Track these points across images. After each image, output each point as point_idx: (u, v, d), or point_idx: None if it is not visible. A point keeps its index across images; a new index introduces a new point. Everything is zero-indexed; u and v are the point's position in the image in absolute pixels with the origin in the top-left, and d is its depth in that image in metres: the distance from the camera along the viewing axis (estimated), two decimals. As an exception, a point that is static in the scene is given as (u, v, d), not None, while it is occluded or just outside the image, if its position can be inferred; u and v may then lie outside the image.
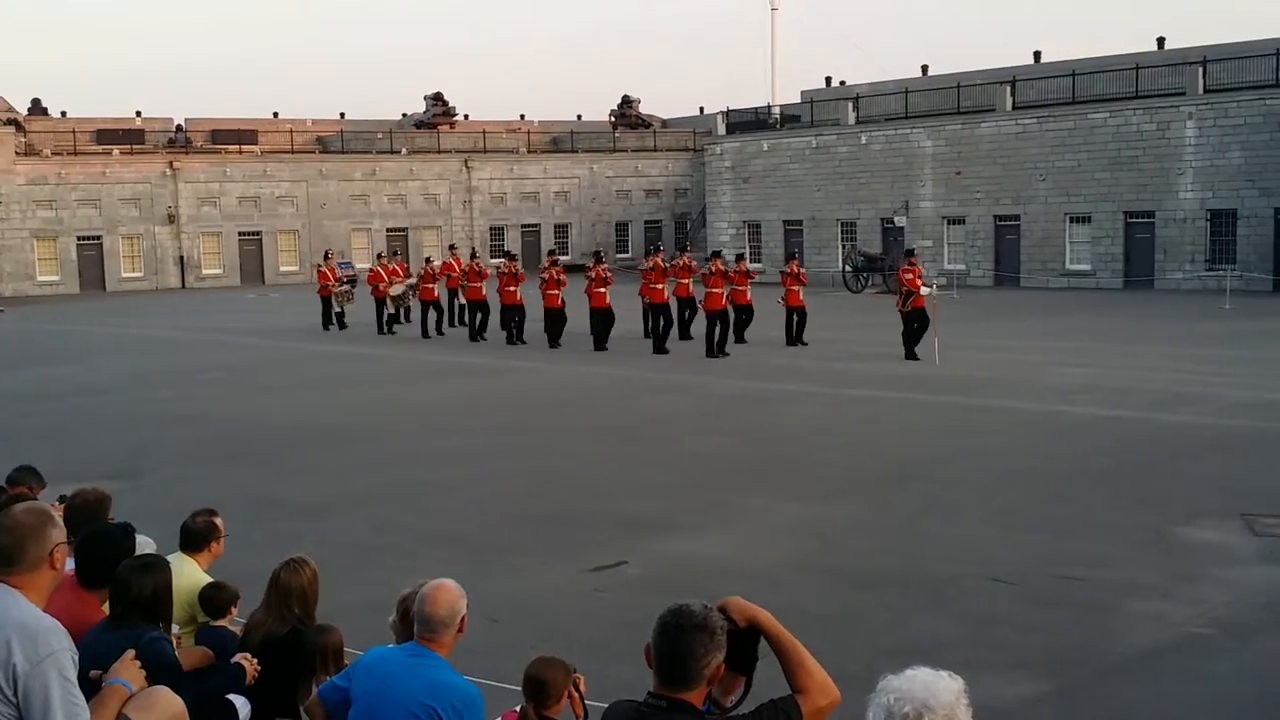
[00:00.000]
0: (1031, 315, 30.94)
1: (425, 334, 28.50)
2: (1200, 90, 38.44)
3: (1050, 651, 7.67)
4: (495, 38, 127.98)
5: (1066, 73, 43.38)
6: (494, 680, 6.16)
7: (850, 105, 48.61)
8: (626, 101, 64.24)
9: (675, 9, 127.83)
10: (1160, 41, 46.64)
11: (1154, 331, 25.99)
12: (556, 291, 25.05)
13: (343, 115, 61.66)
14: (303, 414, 17.76)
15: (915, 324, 21.98)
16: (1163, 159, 38.78)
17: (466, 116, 62.81)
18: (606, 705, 3.23)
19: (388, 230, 54.64)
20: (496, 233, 56.80)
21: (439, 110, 60.87)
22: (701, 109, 63.58)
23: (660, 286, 24.34)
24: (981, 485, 12.23)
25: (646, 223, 59.24)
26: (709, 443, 14.88)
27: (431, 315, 29.03)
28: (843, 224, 47.29)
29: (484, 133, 59.09)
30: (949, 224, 44.39)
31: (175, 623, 5.35)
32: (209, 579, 5.79)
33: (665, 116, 66.69)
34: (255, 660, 5.00)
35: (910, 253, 24.41)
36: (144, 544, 5.68)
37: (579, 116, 66.05)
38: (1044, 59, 49.11)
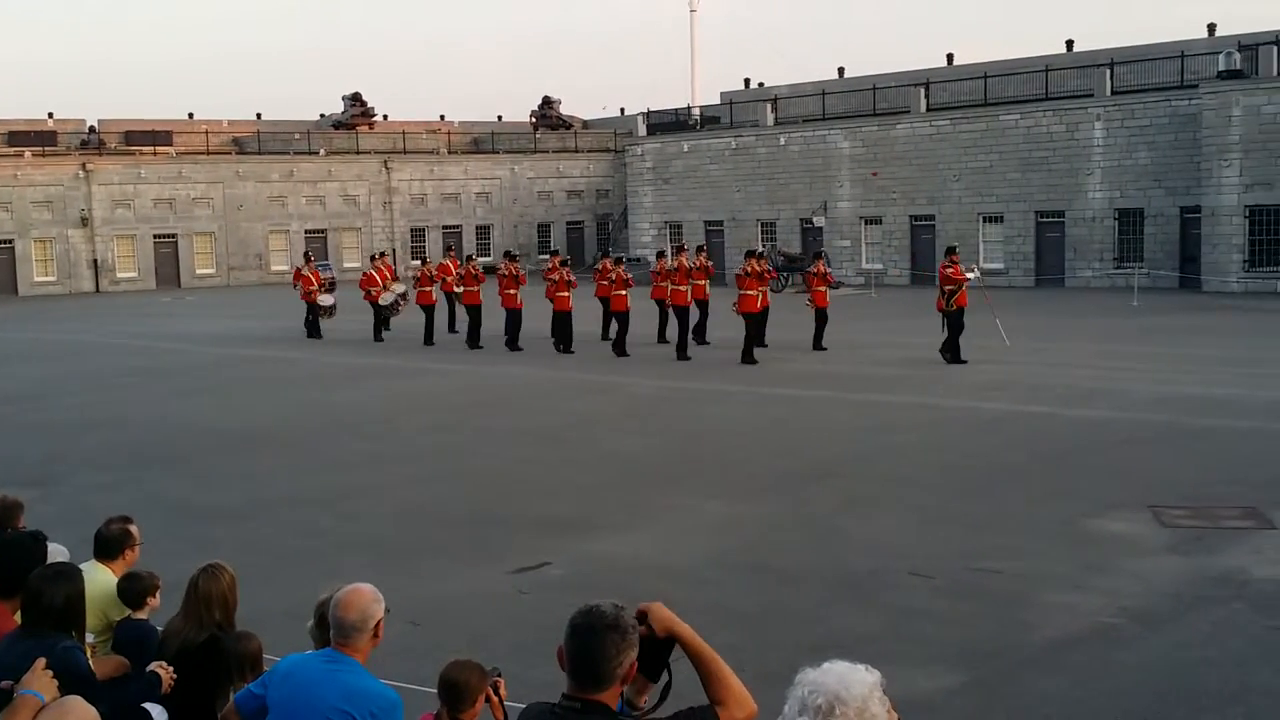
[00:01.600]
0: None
1: (429, 341, 26.76)
2: (1108, 92, 39.40)
3: (967, 643, 7.83)
4: (414, 37, 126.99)
5: (978, 75, 44.18)
6: (416, 684, 6.12)
7: (769, 107, 49.04)
8: (547, 102, 64.12)
9: (595, 10, 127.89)
10: (1069, 44, 47.67)
11: (1065, 329, 26.57)
12: (566, 294, 24.29)
13: (259, 116, 60.74)
14: (220, 418, 17.48)
15: (959, 324, 21.01)
16: (1072, 159, 39.67)
17: (385, 117, 62.21)
18: (523, 707, 3.24)
19: (306, 232, 53.96)
20: (417, 234, 56.37)
21: (357, 111, 60.22)
22: (622, 110, 63.72)
23: (684, 289, 23.40)
24: (899, 481, 12.43)
25: (569, 224, 59.20)
26: (632, 443, 14.93)
27: (444, 319, 28.00)
28: (763, 224, 47.69)
29: (404, 133, 58.59)
30: (866, 224, 44.99)
31: (89, 631, 5.25)
32: (124, 586, 5.68)
33: (586, 117, 66.70)
34: (171, 668, 4.92)
35: (952, 250, 22.45)
36: (56, 552, 5.56)
37: (499, 117, 65.81)
38: (957, 61, 49.95)
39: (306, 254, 34.15)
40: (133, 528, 5.98)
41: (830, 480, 12.58)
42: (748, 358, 21.64)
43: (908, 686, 6.84)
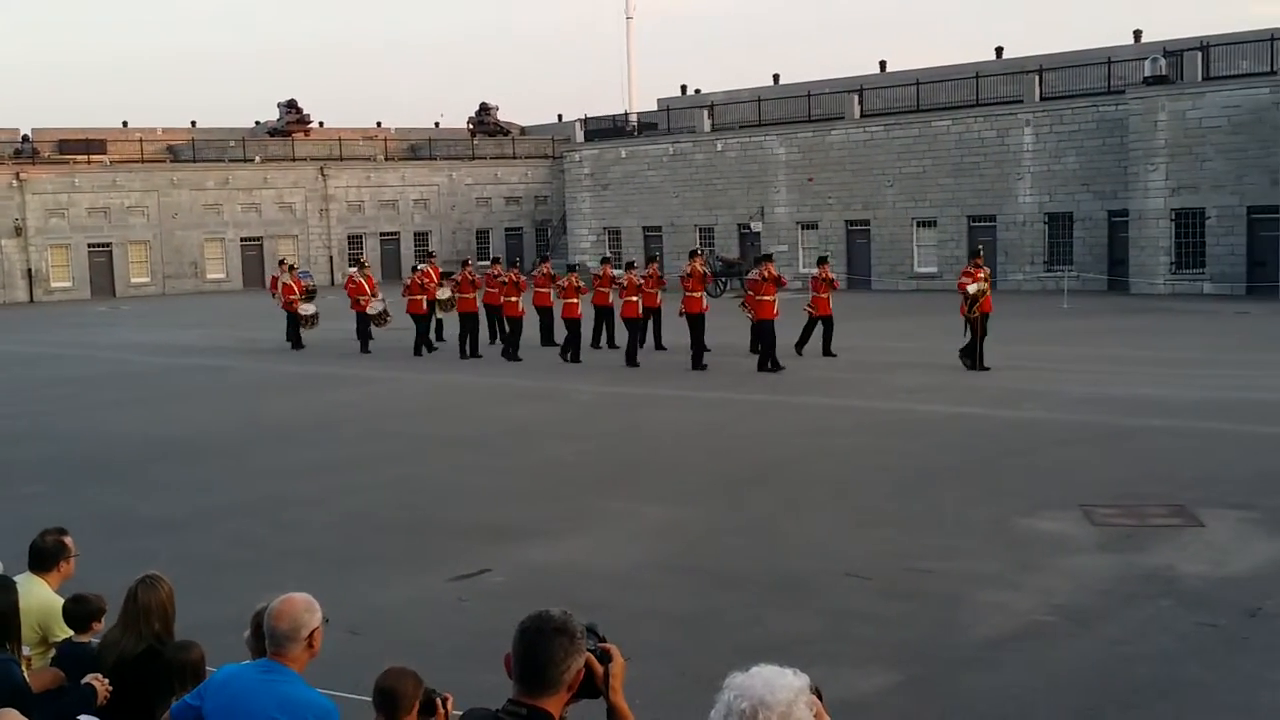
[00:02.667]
0: (883, 317, 31.82)
1: (418, 352, 25.40)
2: (1037, 98, 40.08)
3: (903, 643, 7.95)
4: (349, 45, 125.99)
5: (911, 82, 44.71)
6: (355, 694, 6.09)
7: (706, 113, 49.28)
8: (485, 109, 63.90)
9: (531, 17, 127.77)
10: (999, 51, 48.40)
11: (996, 330, 26.93)
12: (575, 300, 23.71)
13: (194, 123, 59.94)
14: (157, 428, 17.24)
15: (982, 330, 20.32)
16: (1003, 164, 40.30)
17: (322, 124, 61.63)
18: (463, 713, 3.25)
19: (242, 240, 53.36)
20: (355, 241, 55.94)
21: (293, 118, 59.60)
22: (560, 116, 63.65)
23: (698, 295, 22.28)
24: (837, 483, 12.57)
25: (507, 230, 59.05)
26: (572, 448, 14.95)
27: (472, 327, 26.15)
28: (701, 229, 47.90)
29: (340, 140, 58.10)
30: (803, 229, 45.35)
31: (25, 644, 5.19)
32: (59, 599, 5.62)
33: (524, 124, 66.58)
34: (107, 680, 4.88)
35: (976, 253, 21.81)
36: (-12, 566, 5.49)
37: (437, 124, 65.46)
38: (889, 68, 50.51)
39: (283, 261, 32.51)
40: (68, 539, 5.92)
41: (768, 483, 12.69)
42: (698, 363, 21.52)
43: (845, 687, 6.94)
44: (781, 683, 2.57)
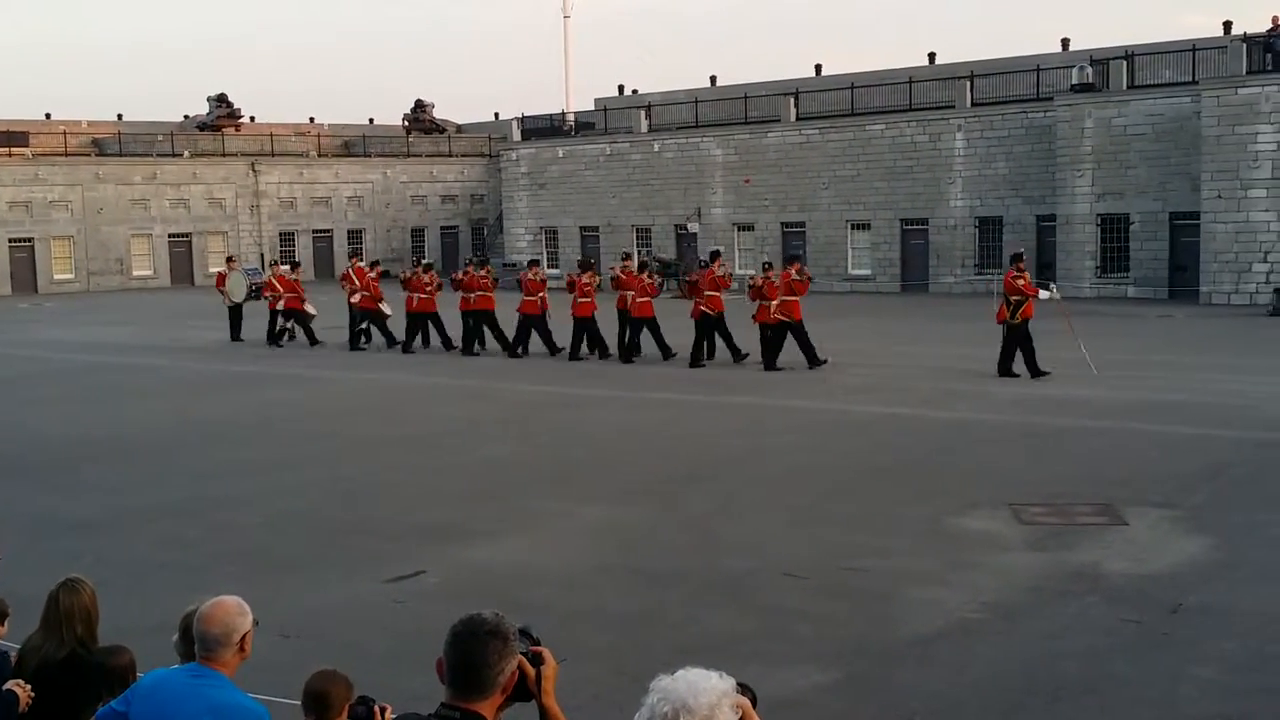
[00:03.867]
0: (818, 319, 32.00)
1: (468, 351, 24.50)
2: (968, 103, 40.66)
3: (838, 641, 8.03)
4: (280, 39, 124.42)
5: (845, 86, 45.15)
6: (286, 698, 6.03)
7: (643, 113, 49.35)
8: (420, 106, 63.44)
9: (467, 14, 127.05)
10: (931, 56, 49.04)
11: (929, 333, 27.34)
12: (589, 299, 22.86)
13: (120, 116, 58.84)
14: (82, 428, 16.90)
15: (1023, 337, 19.47)
16: (935, 169, 40.83)
17: (253, 119, 60.81)
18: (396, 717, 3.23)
19: (170, 236, 52.47)
20: (286, 238, 55.26)
21: (223, 112, 58.73)
22: (496, 114, 63.40)
23: (717, 294, 21.89)
24: (773, 483, 12.66)
25: (443, 228, 58.70)
26: (509, 448, 14.90)
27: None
28: (638, 230, 47.97)
29: (271, 135, 57.36)
30: (739, 230, 45.59)
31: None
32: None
33: (460, 121, 66.21)
34: (29, 686, 4.78)
35: (1019, 257, 20.62)
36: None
37: (371, 120, 64.91)
38: (825, 72, 50.96)
39: (282, 261, 32.44)
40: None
41: (705, 483, 12.75)
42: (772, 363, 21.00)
43: (781, 685, 7.00)
44: (705, 686, 2.56)
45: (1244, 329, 26.92)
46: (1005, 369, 19.54)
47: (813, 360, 21.07)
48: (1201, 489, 11.97)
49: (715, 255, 23.26)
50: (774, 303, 21.20)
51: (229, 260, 31.02)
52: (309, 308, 27.10)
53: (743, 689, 2.74)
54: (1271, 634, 7.99)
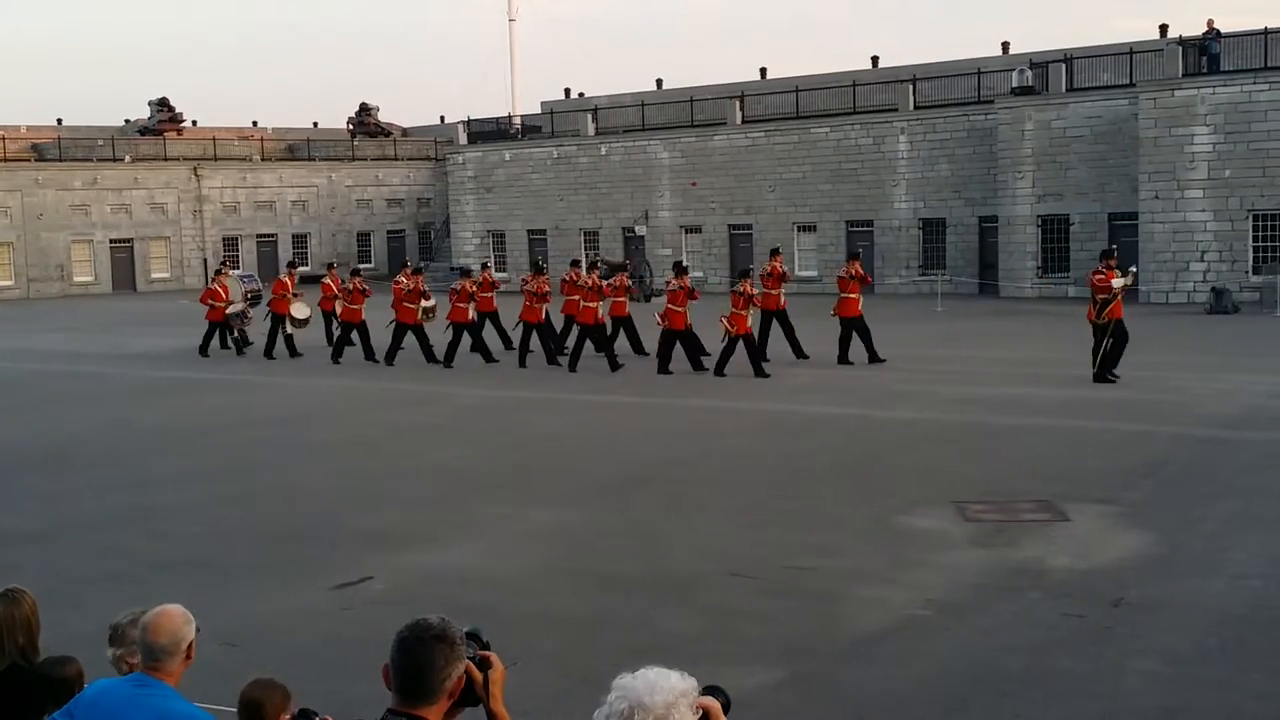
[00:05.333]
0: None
1: (487, 358, 23.29)
2: (911, 107, 41.08)
3: (786, 640, 8.07)
4: (223, 42, 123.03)
5: (790, 89, 45.45)
6: (231, 707, 5.97)
7: (590, 117, 49.35)
8: (365, 109, 63.00)
9: (412, 17, 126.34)
10: (874, 60, 49.52)
11: (874, 333, 27.52)
12: (595, 305, 21.95)
13: (60, 121, 57.93)
14: (20, 436, 16.60)
15: (1113, 337, 18.46)
16: (879, 171, 41.21)
17: (195, 122, 60.07)
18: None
19: (111, 242, 51.72)
20: (230, 243, 54.66)
21: (165, 116, 57.96)
22: (442, 118, 63.09)
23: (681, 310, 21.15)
24: (721, 484, 12.71)
25: (389, 232, 58.33)
26: (456, 453, 14.83)
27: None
28: (586, 233, 47.96)
29: (214, 140, 56.70)
30: (687, 233, 45.73)
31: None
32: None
33: (405, 125, 65.83)
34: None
35: (1109, 253, 19.55)
36: None
37: (315, 124, 64.36)
38: (769, 75, 51.25)
39: (334, 264, 29.97)
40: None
41: (654, 485, 12.77)
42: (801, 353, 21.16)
43: (730, 685, 6.95)
44: (664, 685, 2.56)
45: (1182, 327, 27.42)
46: (1103, 374, 18.49)
47: (799, 354, 21.79)
48: (1141, 485, 12.17)
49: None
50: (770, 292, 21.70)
51: (223, 265, 29.13)
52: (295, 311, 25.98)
53: (715, 691, 2.73)
54: (1210, 627, 8.14)
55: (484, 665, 3.00)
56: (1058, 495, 11.70)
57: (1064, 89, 37.09)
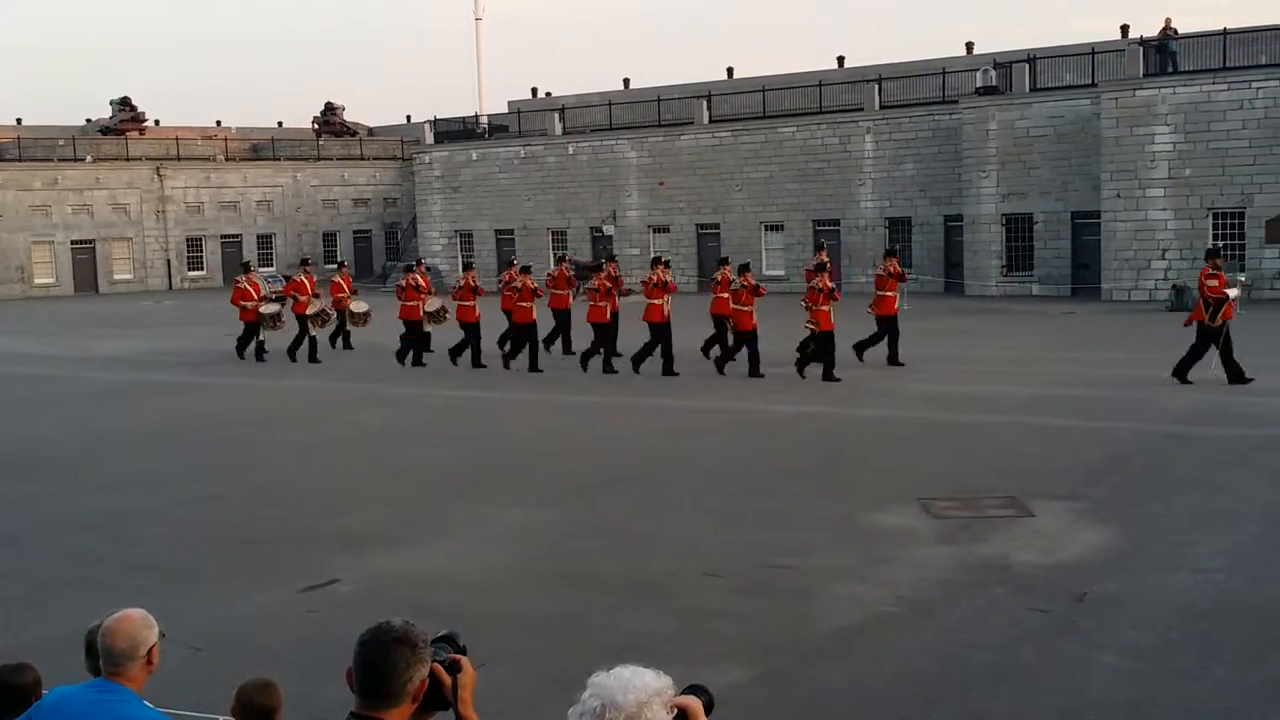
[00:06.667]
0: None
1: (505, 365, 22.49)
2: (876, 106, 41.31)
3: (758, 638, 8.11)
4: (186, 41, 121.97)
5: (757, 89, 45.59)
6: (196, 711, 5.94)
7: (557, 116, 49.31)
8: (330, 108, 62.65)
9: (377, 16, 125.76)
10: (840, 60, 49.74)
11: (841, 331, 27.63)
12: (604, 305, 21.55)
13: (19, 121, 57.28)
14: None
15: (1221, 340, 17.73)
16: (845, 170, 41.42)
17: (157, 122, 59.55)
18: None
19: (73, 243, 51.20)
20: (194, 244, 54.25)
21: (127, 115, 57.41)
22: (409, 117, 62.84)
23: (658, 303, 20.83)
24: (694, 483, 12.74)
25: (355, 232, 58.04)
26: (426, 454, 14.79)
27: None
28: (553, 233, 47.92)
29: (177, 139, 56.20)
30: (654, 232, 45.78)
31: None
32: None
33: (371, 124, 65.51)
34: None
35: (1215, 253, 18.75)
36: None
37: (280, 123, 63.93)
38: (737, 75, 51.38)
39: (340, 261, 29.49)
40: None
41: (626, 484, 12.78)
42: (827, 375, 19.38)
43: (703, 684, 7.04)
44: (637, 683, 2.56)
45: (1144, 324, 27.71)
46: (1238, 375, 17.74)
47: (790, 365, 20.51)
48: (1105, 481, 12.31)
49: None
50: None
51: (246, 266, 27.20)
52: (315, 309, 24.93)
53: (697, 691, 2.74)
54: (1173, 620, 8.25)
55: (454, 669, 3.00)
56: (1023, 492, 11.81)
57: (1027, 89, 37.40)
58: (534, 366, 21.77)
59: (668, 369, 20.62)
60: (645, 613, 8.70)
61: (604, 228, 46.36)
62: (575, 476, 13.21)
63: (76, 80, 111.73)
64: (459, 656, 3.02)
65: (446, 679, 2.97)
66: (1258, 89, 32.39)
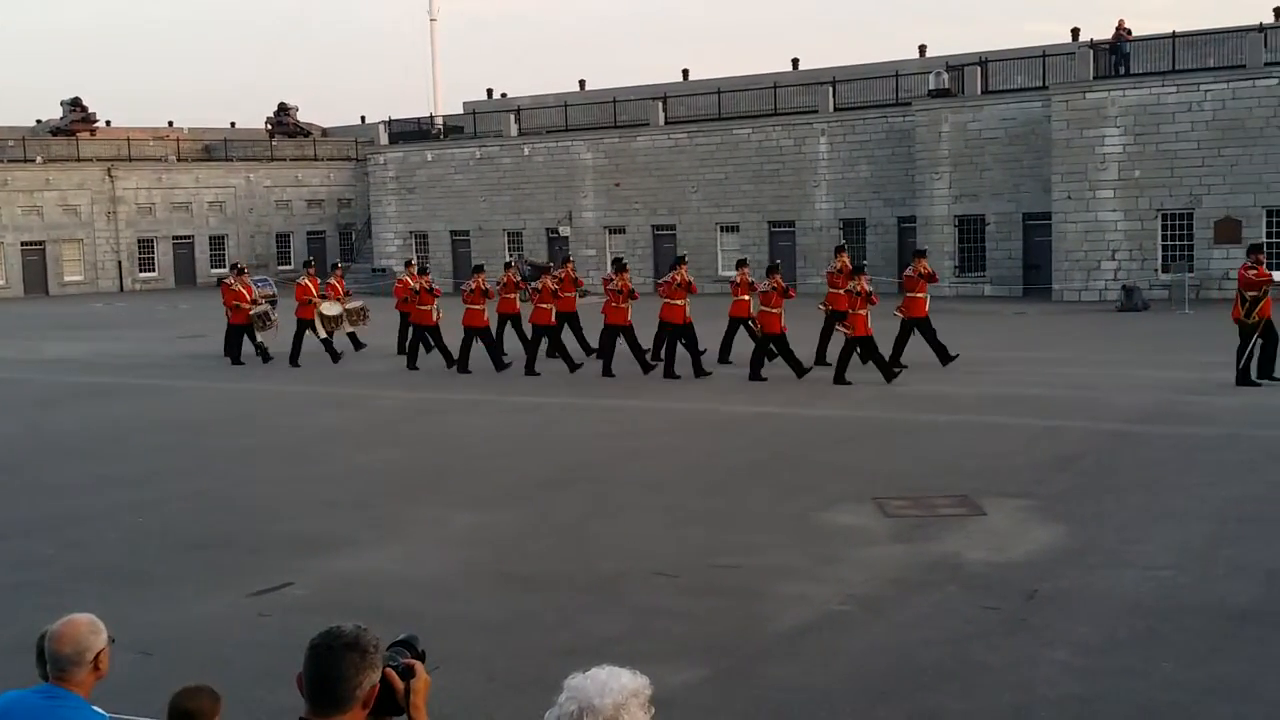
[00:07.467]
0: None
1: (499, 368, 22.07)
2: (831, 108, 41.54)
3: (709, 638, 8.13)
4: (137, 41, 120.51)
5: (713, 90, 45.70)
6: (147, 717, 5.88)
7: (512, 117, 49.18)
8: (283, 109, 62.11)
9: (331, 16, 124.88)
10: (795, 63, 49.97)
11: (794, 332, 27.76)
12: (625, 306, 20.93)
13: (-35, 120, 56.35)
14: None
15: (1263, 337, 17.12)
16: (800, 172, 41.61)
17: (109, 123, 58.78)
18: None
19: (22, 244, 50.45)
20: (145, 245, 53.63)
21: (78, 116, 56.64)
22: (363, 118, 62.44)
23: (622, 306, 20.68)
24: (646, 484, 12.74)
25: (309, 233, 57.57)
26: (378, 456, 14.70)
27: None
28: (509, 234, 47.79)
29: (128, 140, 55.50)
30: (610, 233, 45.77)
31: None
32: None
33: (325, 125, 65.02)
34: None
35: (1257, 247, 18.08)
36: None
37: (232, 124, 63.32)
38: (692, 77, 51.50)
39: (417, 264, 27.31)
40: None
41: (578, 485, 12.77)
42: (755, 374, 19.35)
43: (653, 683, 7.04)
44: (614, 685, 2.55)
45: (1094, 324, 28.05)
46: (1268, 371, 17.20)
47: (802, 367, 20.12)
48: (1056, 479, 12.44)
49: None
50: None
51: (236, 268, 26.24)
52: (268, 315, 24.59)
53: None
54: (1122, 617, 8.34)
55: (407, 674, 2.98)
56: (974, 490, 11.91)
57: (979, 91, 37.75)
58: (498, 366, 21.74)
59: (698, 369, 20.11)
60: (596, 613, 8.69)
61: (560, 229, 46.29)
62: (527, 478, 13.18)
63: (26, 81, 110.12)
64: (413, 661, 3.00)
65: (399, 684, 2.95)
66: (1206, 92, 32.87)
